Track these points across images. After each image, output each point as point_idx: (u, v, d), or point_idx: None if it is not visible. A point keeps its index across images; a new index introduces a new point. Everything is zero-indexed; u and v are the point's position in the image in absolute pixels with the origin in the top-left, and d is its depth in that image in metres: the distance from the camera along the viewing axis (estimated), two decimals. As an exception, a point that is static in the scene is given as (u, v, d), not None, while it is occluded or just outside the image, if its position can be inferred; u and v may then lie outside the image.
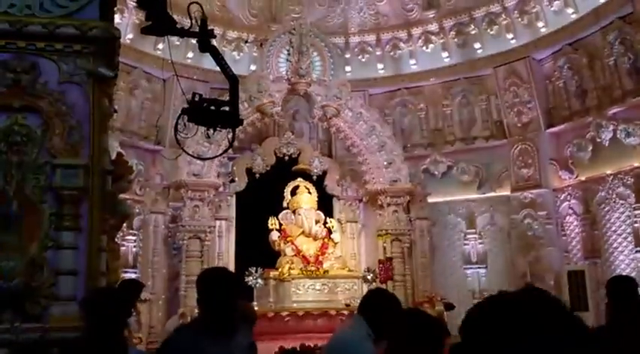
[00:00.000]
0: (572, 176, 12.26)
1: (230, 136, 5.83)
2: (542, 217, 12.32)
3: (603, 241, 11.58)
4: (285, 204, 12.59)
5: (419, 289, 12.27)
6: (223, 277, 3.10)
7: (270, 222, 12.23)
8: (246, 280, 11.09)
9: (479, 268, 13.04)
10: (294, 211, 12.52)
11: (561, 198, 12.41)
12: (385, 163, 12.69)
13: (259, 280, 11.25)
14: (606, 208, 11.57)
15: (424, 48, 13.75)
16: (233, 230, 12.51)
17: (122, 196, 6.22)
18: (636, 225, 10.87)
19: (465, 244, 13.22)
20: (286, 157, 12.72)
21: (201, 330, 2.95)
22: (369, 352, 3.19)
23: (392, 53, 13.99)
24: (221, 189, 12.36)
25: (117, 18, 10.57)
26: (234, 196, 12.65)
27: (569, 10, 11.90)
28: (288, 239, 12.13)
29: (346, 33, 14.08)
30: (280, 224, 12.36)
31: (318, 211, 12.67)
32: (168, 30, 5.37)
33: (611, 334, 3.81)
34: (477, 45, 13.20)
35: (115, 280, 5.72)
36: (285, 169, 12.73)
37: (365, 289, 10.65)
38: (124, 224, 8.38)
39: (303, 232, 12.30)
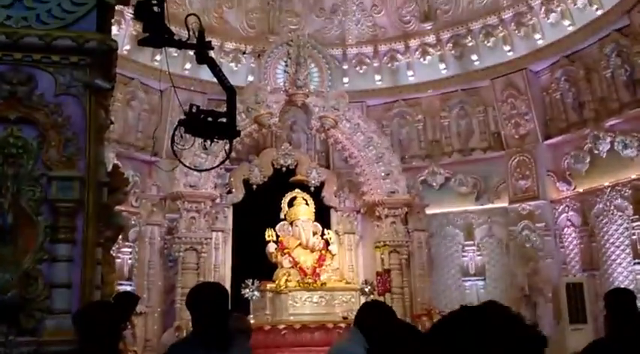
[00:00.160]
0: (569, 188, 12.28)
1: (227, 147, 5.84)
2: (540, 228, 12.32)
3: (601, 253, 11.58)
4: (282, 215, 12.56)
5: (417, 301, 12.23)
6: (214, 292, 3.08)
7: (267, 233, 12.19)
8: (242, 292, 11.06)
9: (477, 280, 13.02)
10: (291, 223, 12.49)
11: (559, 210, 12.42)
12: (383, 174, 12.69)
13: (256, 293, 11.20)
14: (604, 220, 11.58)
15: (421, 59, 13.81)
16: (230, 242, 12.48)
17: (118, 207, 6.20)
18: (634, 237, 10.87)
19: (464, 256, 13.20)
20: (284, 168, 12.72)
21: (197, 344, 2.94)
22: None
23: (389, 65, 14.04)
24: (218, 200, 12.34)
25: (114, 29, 10.60)
26: (231, 207, 12.63)
27: (566, 23, 11.98)
28: (285, 251, 12.09)
29: (344, 44, 14.13)
30: (277, 236, 12.32)
31: (316, 223, 12.65)
32: (166, 41, 5.39)
33: (611, 348, 3.80)
34: (474, 57, 13.26)
35: (110, 293, 5.69)
36: (283, 181, 12.72)
37: (362, 301, 10.62)
38: (120, 236, 8.34)
39: (300, 244, 12.26)
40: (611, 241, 11.48)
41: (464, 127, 13.64)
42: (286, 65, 12.41)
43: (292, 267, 11.87)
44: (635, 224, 10.87)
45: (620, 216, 11.29)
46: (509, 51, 12.87)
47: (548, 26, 12.28)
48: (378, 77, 14.05)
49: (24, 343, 3.99)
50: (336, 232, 12.97)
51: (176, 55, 11.79)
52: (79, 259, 4.22)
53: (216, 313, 2.95)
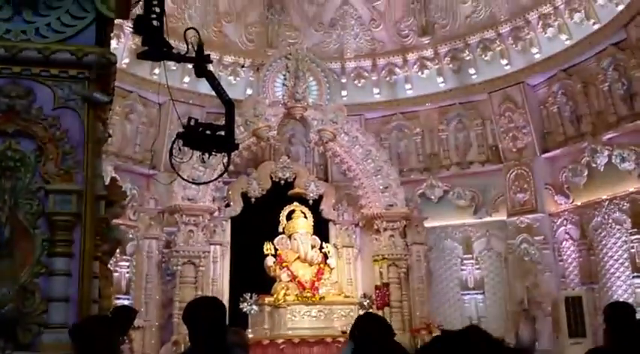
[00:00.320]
0: (567, 201, 12.29)
1: (225, 160, 5.84)
2: (538, 242, 12.31)
3: (600, 267, 11.56)
4: (280, 229, 12.52)
5: (416, 315, 12.17)
6: (211, 307, 3.06)
7: (265, 247, 12.15)
8: (240, 306, 11.01)
9: (476, 294, 12.98)
10: (289, 236, 12.45)
11: (557, 223, 12.41)
12: (381, 187, 12.69)
13: (254, 307, 11.15)
14: (602, 234, 11.57)
15: (419, 73, 13.88)
16: (228, 255, 12.44)
17: (115, 221, 6.19)
18: (633, 250, 10.86)
19: (462, 270, 13.18)
20: (282, 182, 12.72)
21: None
22: None
23: (388, 78, 14.10)
24: (216, 214, 12.32)
25: (113, 43, 10.63)
26: (229, 220, 12.60)
27: (563, 37, 12.05)
28: (284, 265, 12.04)
29: (342, 58, 14.20)
30: (276, 249, 12.28)
31: (314, 236, 12.62)
32: (165, 55, 5.40)
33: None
34: (472, 70, 13.33)
35: (107, 307, 5.65)
36: (281, 194, 12.72)
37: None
38: (117, 250, 8.32)
39: (298, 258, 12.21)
40: (609, 254, 11.47)
41: (462, 140, 13.67)
42: (285, 78, 12.45)
43: (291, 281, 11.81)
44: (633, 238, 10.86)
45: (618, 229, 11.29)
46: (506, 65, 12.93)
47: (546, 40, 12.35)
48: (376, 90, 14.10)
49: (21, 358, 3.96)
50: (335, 246, 12.94)
51: (175, 68, 11.85)
52: (76, 272, 4.19)
53: (213, 327, 2.93)
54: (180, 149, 5.66)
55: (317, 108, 12.56)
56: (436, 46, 13.64)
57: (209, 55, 5.83)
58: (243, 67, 13.64)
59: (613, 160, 11.27)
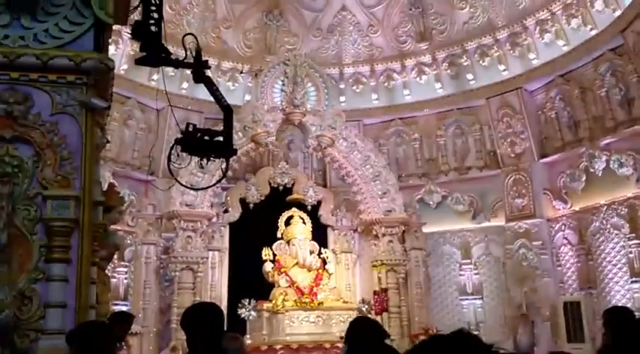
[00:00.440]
0: (566, 206, 12.29)
1: (224, 166, 5.83)
2: (536, 247, 12.31)
3: (598, 272, 11.55)
4: (279, 234, 12.52)
5: (415, 321, 12.15)
6: (208, 312, 3.06)
7: (264, 253, 12.14)
8: (239, 312, 10.98)
9: (475, 299, 12.96)
10: (288, 242, 12.44)
11: (556, 228, 12.41)
12: (380, 192, 12.69)
13: (252, 313, 11.12)
14: (601, 239, 11.58)
15: (418, 79, 13.90)
16: (226, 261, 12.42)
17: (113, 227, 6.17)
18: (631, 255, 10.86)
19: (461, 275, 13.17)
20: (280, 187, 12.72)
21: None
22: None
23: (386, 84, 14.12)
24: (214, 219, 12.31)
25: (112, 49, 10.68)
26: (228, 226, 12.59)
27: (561, 43, 12.08)
28: (282, 270, 12.02)
29: (341, 64, 14.23)
30: (274, 255, 12.27)
31: (313, 242, 12.61)
32: (163, 61, 5.40)
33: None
34: (470, 76, 13.35)
35: (105, 313, 5.63)
36: (280, 199, 12.71)
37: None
38: (115, 256, 8.30)
39: (297, 263, 12.20)
40: (607, 259, 11.46)
41: (460, 145, 13.68)
42: (283, 84, 12.46)
43: (289, 286, 11.80)
44: (631, 242, 10.87)
45: (616, 234, 11.29)
46: (504, 70, 12.96)
47: (543, 46, 12.38)
48: (374, 96, 14.12)
49: (18, 364, 3.94)
50: (333, 251, 12.93)
51: (173, 74, 11.85)
52: (73, 278, 4.18)
53: (211, 333, 2.92)
54: (178, 155, 5.66)
55: (315, 114, 12.56)
56: (434, 51, 13.66)
57: (207, 60, 5.83)
58: (241, 73, 13.65)
59: (611, 166, 11.28)
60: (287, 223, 12.61)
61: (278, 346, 10.88)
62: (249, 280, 11.94)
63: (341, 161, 12.80)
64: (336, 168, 13.15)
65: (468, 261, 13.14)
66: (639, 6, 10.25)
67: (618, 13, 10.86)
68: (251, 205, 12.50)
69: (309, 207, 12.81)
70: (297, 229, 12.50)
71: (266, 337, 11.13)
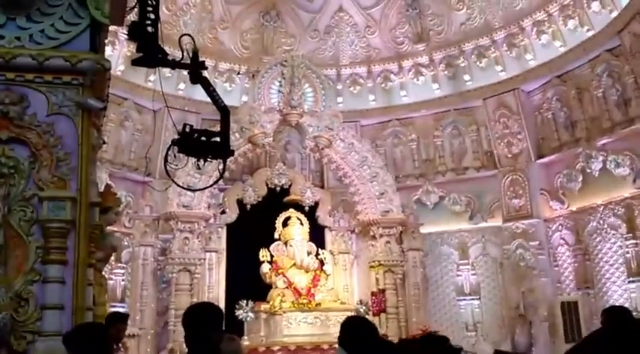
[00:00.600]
0: (563, 206, 12.30)
1: (221, 166, 5.80)
2: (534, 247, 12.31)
3: (596, 272, 11.56)
4: (276, 235, 12.51)
5: (412, 321, 12.14)
6: (208, 313, 3.06)
7: (261, 254, 12.13)
8: (236, 313, 10.96)
9: (472, 299, 12.96)
10: (285, 243, 12.44)
11: (553, 228, 12.42)
12: (377, 193, 12.68)
13: (250, 314, 11.11)
14: (598, 239, 11.59)
15: (415, 80, 13.91)
16: (223, 262, 12.39)
17: (110, 228, 6.15)
18: (628, 255, 10.87)
19: (458, 275, 13.16)
20: (278, 188, 12.70)
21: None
22: None
23: (383, 85, 14.13)
24: (211, 220, 12.29)
25: (108, 50, 10.66)
26: (225, 227, 12.56)
27: (557, 44, 12.09)
28: (280, 271, 12.02)
29: (338, 65, 14.22)
30: (272, 256, 12.26)
31: (310, 243, 12.61)
32: (160, 61, 5.37)
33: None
34: (467, 77, 13.36)
35: (102, 314, 5.61)
36: (277, 200, 12.69)
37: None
38: (112, 257, 8.28)
39: (294, 264, 12.20)
40: (605, 259, 11.47)
41: (457, 146, 13.69)
42: (280, 85, 12.45)
43: (287, 287, 11.79)
44: (628, 242, 10.88)
45: (613, 234, 11.30)
46: (501, 71, 12.97)
47: (540, 47, 12.39)
48: (371, 97, 14.12)
49: (14, 366, 3.92)
50: (331, 252, 12.93)
51: (170, 75, 11.86)
52: (70, 280, 4.16)
53: (210, 333, 2.92)
54: (175, 156, 5.63)
55: (313, 114, 12.56)
56: (431, 52, 13.67)
57: (204, 61, 5.80)
58: (238, 74, 13.64)
59: (607, 166, 11.29)
60: (284, 224, 12.60)
61: (276, 348, 10.86)
62: (247, 281, 11.92)
63: (338, 162, 12.79)
64: (333, 169, 13.14)
65: (466, 261, 13.14)
66: (636, 7, 10.27)
67: (615, 14, 10.88)
68: (248, 206, 12.48)
69: (307, 208, 12.80)
70: (295, 230, 12.49)
71: (264, 339, 11.11)
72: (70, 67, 4.25)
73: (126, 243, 11.73)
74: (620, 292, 11.12)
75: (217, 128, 5.70)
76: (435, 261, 13.37)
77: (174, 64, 5.59)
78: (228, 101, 6.27)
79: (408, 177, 13.86)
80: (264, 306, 11.37)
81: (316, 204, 13.05)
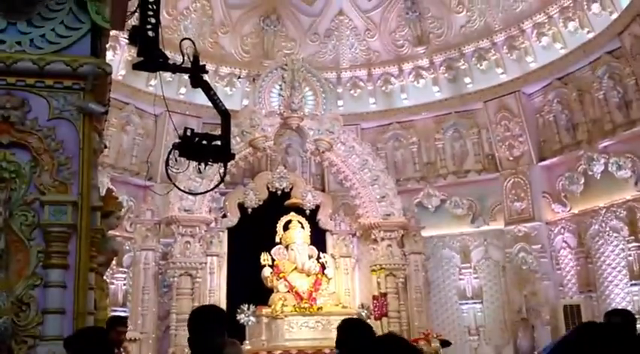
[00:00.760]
0: (565, 209, 12.28)
1: (222, 170, 5.81)
2: (536, 250, 12.29)
3: (598, 275, 11.54)
4: (277, 239, 12.50)
5: (414, 325, 12.11)
6: (213, 316, 3.07)
7: (262, 258, 12.12)
8: (238, 317, 10.94)
9: (474, 303, 12.93)
10: (286, 247, 12.42)
11: (555, 231, 12.40)
12: (378, 196, 12.67)
13: (251, 318, 11.09)
14: (600, 242, 11.57)
15: (415, 83, 13.92)
16: (225, 266, 12.38)
17: (111, 232, 6.16)
18: (630, 258, 10.85)
19: (460, 279, 13.13)
20: (279, 192, 12.69)
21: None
22: None
23: (383, 88, 14.14)
24: (212, 224, 12.28)
25: (109, 55, 10.68)
26: (226, 231, 12.56)
27: (558, 46, 12.10)
28: (281, 275, 12.00)
29: (338, 68, 14.24)
30: (273, 260, 12.24)
31: (311, 246, 12.59)
32: (161, 66, 5.39)
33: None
34: (467, 80, 13.37)
35: (103, 319, 5.61)
36: (278, 204, 12.69)
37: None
38: (114, 261, 8.28)
39: (296, 268, 12.18)
40: (607, 262, 11.46)
41: (458, 149, 13.69)
42: (281, 89, 12.46)
43: (288, 291, 11.77)
44: (630, 245, 10.86)
45: (615, 237, 11.29)
46: (501, 73, 12.97)
47: (540, 49, 12.40)
48: (372, 100, 14.13)
49: (15, 371, 3.92)
50: (332, 256, 12.90)
51: (171, 79, 11.87)
52: (71, 284, 4.17)
53: (213, 336, 2.93)
54: (176, 160, 5.65)
55: (313, 118, 12.56)
56: (431, 55, 13.69)
57: (205, 65, 5.82)
58: (239, 78, 13.66)
59: (609, 168, 11.28)
60: (285, 227, 12.59)
61: (277, 352, 10.84)
62: (248, 285, 11.90)
63: (339, 165, 12.79)
64: (334, 172, 13.13)
65: (468, 265, 13.11)
66: (636, 8, 10.27)
67: (615, 15, 10.89)
68: (249, 210, 12.47)
69: (308, 211, 12.78)
70: (296, 233, 12.48)
71: (265, 343, 11.09)
72: (71, 72, 4.27)
73: (127, 247, 11.74)
74: (622, 295, 11.10)
75: (218, 132, 5.72)
76: (437, 264, 13.34)
77: (175, 69, 5.62)
78: (228, 105, 6.29)
79: (409, 180, 13.86)
80: (265, 310, 11.36)
81: (317, 207, 13.04)
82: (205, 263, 11.95)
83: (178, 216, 11.71)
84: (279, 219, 12.58)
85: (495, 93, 13.00)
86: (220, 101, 5.78)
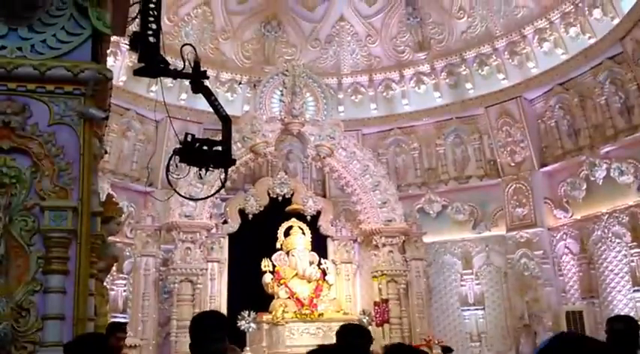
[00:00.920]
0: (567, 215, 12.27)
1: (222, 176, 5.81)
2: (538, 256, 12.28)
3: (600, 281, 11.52)
4: (278, 245, 12.49)
5: (416, 332, 12.08)
6: (215, 322, 3.07)
7: (263, 264, 12.11)
8: (238, 324, 10.92)
9: (476, 309, 12.92)
10: (287, 253, 12.42)
11: (557, 237, 12.39)
12: (379, 202, 12.67)
13: (252, 324, 11.07)
14: (602, 247, 11.55)
15: (416, 88, 13.94)
16: (225, 273, 12.37)
17: (112, 238, 6.15)
18: (633, 264, 10.83)
19: (462, 285, 13.12)
20: (280, 198, 12.69)
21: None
22: None
23: (384, 93, 14.16)
24: (213, 230, 12.28)
25: (110, 61, 10.72)
26: (227, 237, 12.55)
27: (559, 51, 12.12)
28: (282, 281, 11.99)
29: (339, 74, 14.27)
30: (274, 266, 12.24)
31: (312, 252, 12.58)
32: (162, 71, 5.39)
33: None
34: (469, 85, 13.39)
35: (103, 325, 5.60)
36: (279, 210, 12.68)
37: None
38: (114, 268, 8.28)
39: (297, 274, 12.17)
40: (609, 268, 11.43)
41: (459, 154, 13.70)
42: (282, 94, 12.48)
43: (289, 298, 11.76)
44: (633, 251, 10.84)
45: (618, 243, 11.27)
46: (503, 79, 12.99)
47: (542, 54, 12.42)
48: (373, 106, 14.15)
49: (15, 377, 3.91)
50: (333, 262, 12.90)
51: (172, 85, 11.91)
52: (71, 290, 4.16)
53: (215, 342, 2.94)
54: (177, 166, 5.64)
55: (314, 124, 12.58)
56: (432, 61, 13.71)
57: (206, 71, 5.83)
58: (240, 83, 13.69)
59: (611, 174, 11.28)
60: (286, 233, 12.59)
61: (278, 358, 10.82)
62: (249, 291, 11.89)
63: (340, 171, 12.79)
64: (335, 178, 13.14)
65: (469, 271, 13.11)
66: (638, 14, 10.29)
67: (617, 21, 10.91)
68: (250, 216, 12.47)
69: (309, 217, 12.79)
70: (297, 239, 12.48)
71: (266, 349, 11.07)
72: (72, 77, 4.28)
73: (127, 253, 11.73)
74: (625, 301, 11.07)
75: (219, 138, 5.72)
76: (439, 271, 13.34)
77: (176, 74, 5.62)
78: (229, 111, 6.29)
79: (410, 186, 13.88)
80: (266, 316, 11.34)
81: (318, 213, 13.04)
82: (206, 269, 11.94)
83: (179, 222, 11.70)
84: (280, 225, 12.59)
85: (497, 98, 13.02)
86: (221, 107, 5.78)
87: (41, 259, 4.14)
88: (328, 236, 13.19)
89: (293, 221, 12.66)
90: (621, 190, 11.21)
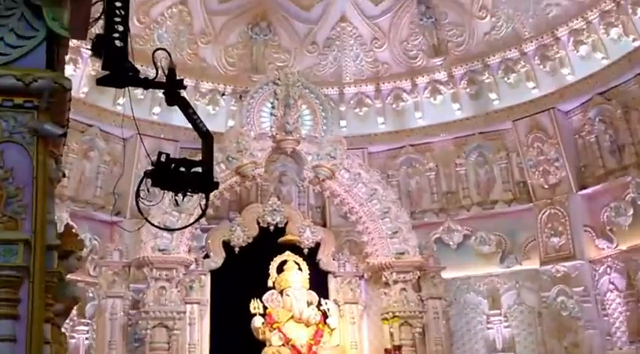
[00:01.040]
0: (611, 245, 12.29)
1: (203, 202, 5.83)
2: (578, 294, 12.29)
3: (651, 322, 11.49)
4: (270, 283, 12.50)
5: (435, 385, 12.06)
6: None
7: (252, 305, 12.11)
8: (223, 377, 10.89)
9: (506, 357, 12.89)
10: (281, 292, 12.43)
11: (600, 271, 12.40)
12: (389, 232, 12.70)
13: (240, 378, 11.04)
14: (653, 283, 11.54)
15: (431, 99, 14.05)
16: (208, 316, 12.36)
17: (71, 276, 6.15)
18: (688, 302, 10.82)
19: (489, 328, 13.12)
20: (271, 227, 12.73)
21: None
22: None
23: (394, 105, 14.27)
24: (193, 267, 12.28)
25: (69, 69, 10.82)
26: (209, 274, 12.56)
27: (599, 56, 12.21)
28: (275, 326, 12.00)
29: (340, 83, 14.39)
30: (265, 308, 12.25)
31: (311, 291, 12.59)
32: (130, 81, 5.43)
33: None
34: (493, 95, 13.50)
35: (61, 380, 5.58)
36: (271, 242, 12.72)
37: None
38: (74, 311, 8.26)
39: (292, 317, 12.20)
40: (661, 307, 11.42)
41: (483, 176, 13.78)
42: (273, 107, 12.57)
43: (283, 345, 11.79)
44: (688, 287, 10.84)
45: (671, 277, 11.27)
46: (533, 88, 13.10)
47: (578, 59, 12.54)
48: (381, 120, 14.25)
49: None
50: (336, 302, 12.90)
51: (142, 97, 12.01)
52: (22, 337, 4.15)
53: None
54: (148, 190, 5.66)
55: (311, 141, 12.65)
56: (450, 67, 13.83)
57: (182, 79, 5.88)
58: (223, 95, 13.80)
59: (663, 197, 11.33)
60: (280, 269, 12.60)
61: None
62: (236, 338, 11.89)
63: (342, 196, 12.83)
64: (337, 204, 13.17)
65: (497, 311, 13.10)
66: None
67: (664, 19, 11.04)
68: (236, 249, 12.50)
69: (306, 250, 12.81)
70: (292, 276, 12.49)
71: (256, 408, 11.01)
72: (23, 87, 4.30)
73: (90, 294, 11.72)
74: (680, 347, 11.04)
75: (199, 157, 5.75)
76: (461, 311, 13.35)
77: (147, 84, 5.65)
78: (211, 126, 6.33)
79: (425, 212, 13.92)
80: (256, 369, 11.31)
81: (317, 245, 13.06)
82: (184, 312, 11.93)
83: (152, 257, 11.71)
84: (272, 259, 12.60)
85: (526, 111, 13.12)
86: (201, 122, 5.82)
87: (-14, 302, 4.14)
88: (329, 272, 13.20)
89: (287, 255, 12.68)
90: (674, 215, 11.25)
